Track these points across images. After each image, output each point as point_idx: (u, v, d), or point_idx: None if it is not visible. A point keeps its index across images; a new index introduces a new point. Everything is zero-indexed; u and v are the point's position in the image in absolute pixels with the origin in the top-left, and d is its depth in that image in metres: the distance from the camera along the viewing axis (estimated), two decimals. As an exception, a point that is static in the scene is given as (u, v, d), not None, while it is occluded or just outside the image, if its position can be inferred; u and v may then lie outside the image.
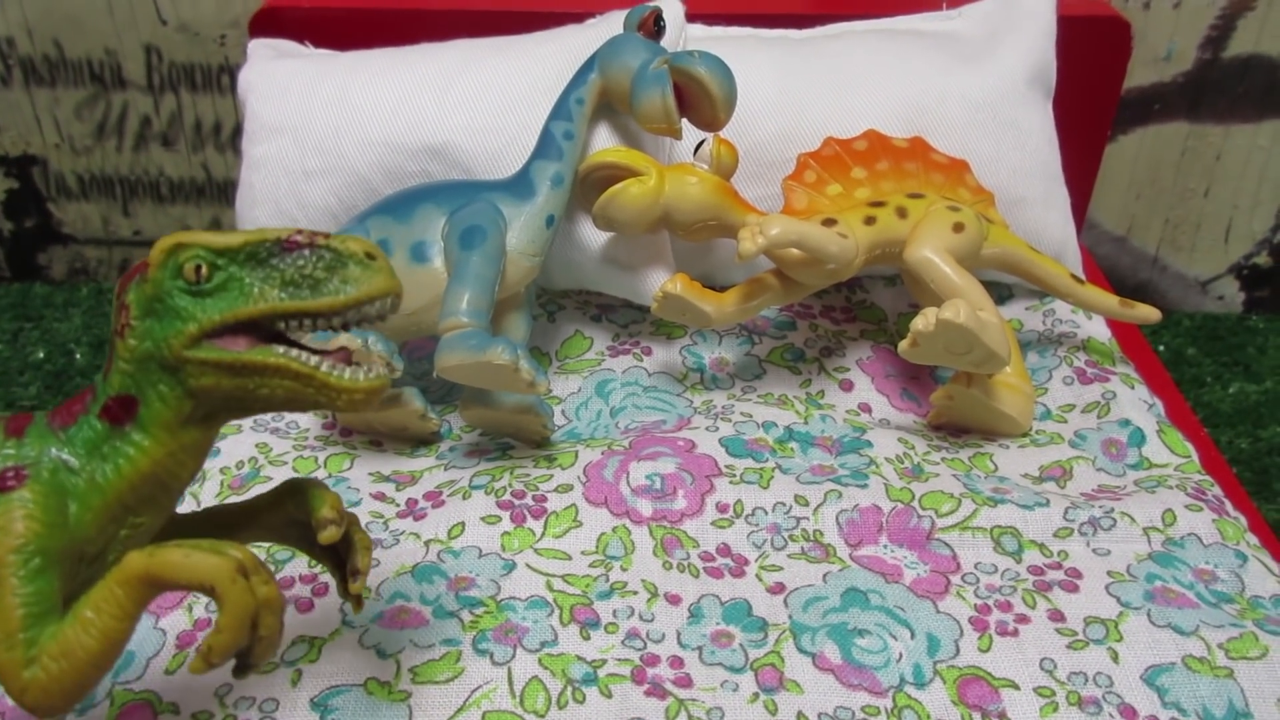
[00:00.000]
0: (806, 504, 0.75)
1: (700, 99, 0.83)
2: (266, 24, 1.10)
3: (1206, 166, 1.40)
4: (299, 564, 0.70)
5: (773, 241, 0.78)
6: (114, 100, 1.36)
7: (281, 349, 0.46)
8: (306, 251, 0.46)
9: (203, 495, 0.78)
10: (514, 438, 0.83)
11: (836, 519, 0.74)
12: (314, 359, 0.46)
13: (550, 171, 0.83)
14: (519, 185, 0.82)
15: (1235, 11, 1.29)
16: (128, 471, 0.48)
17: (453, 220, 0.80)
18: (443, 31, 1.02)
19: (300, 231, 0.46)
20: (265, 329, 0.46)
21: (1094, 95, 1.15)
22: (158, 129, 1.38)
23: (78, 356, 1.36)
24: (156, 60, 1.33)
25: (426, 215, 0.81)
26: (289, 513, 0.55)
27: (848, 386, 0.91)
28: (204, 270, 0.45)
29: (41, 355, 1.36)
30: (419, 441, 0.86)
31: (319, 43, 1.07)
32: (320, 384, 0.46)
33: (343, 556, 0.56)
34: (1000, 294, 1.01)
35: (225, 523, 0.56)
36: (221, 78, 1.33)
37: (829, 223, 0.84)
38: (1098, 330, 0.95)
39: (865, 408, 0.90)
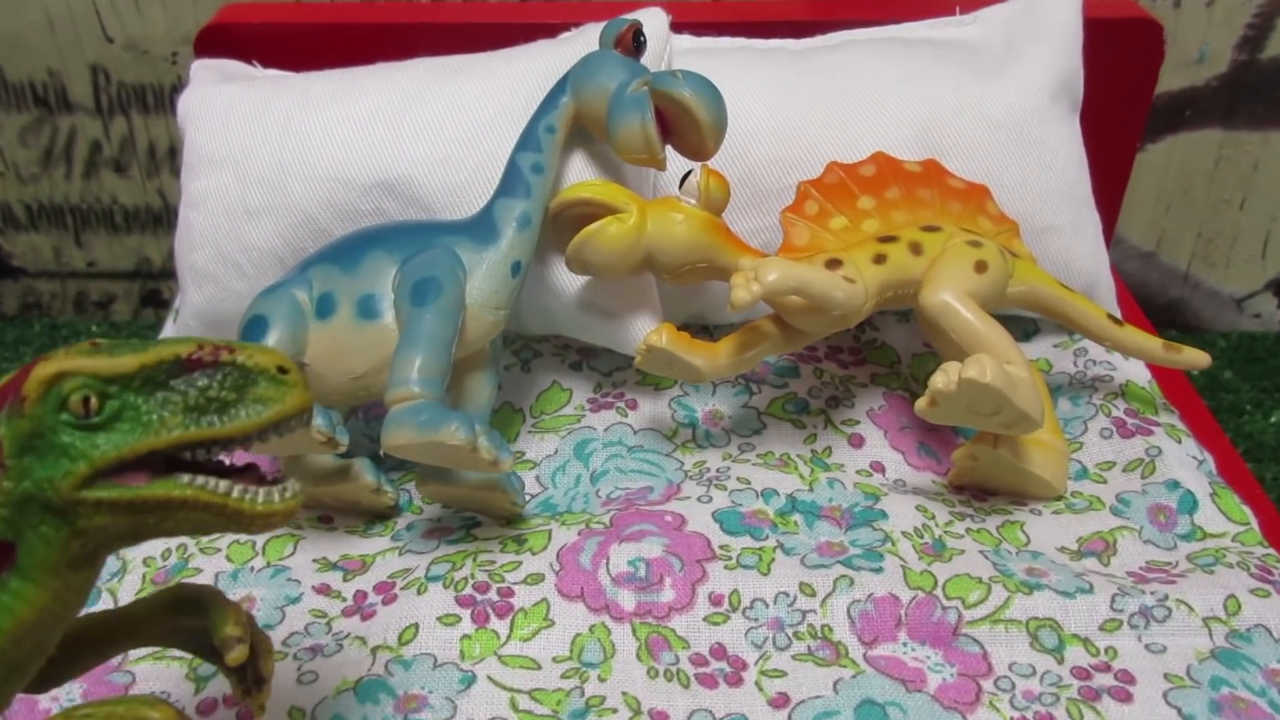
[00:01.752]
0: (813, 593, 0.66)
1: (686, 125, 0.73)
2: (213, 42, 1.01)
3: (1242, 176, 1.29)
4: (220, 684, 0.60)
5: (770, 289, 0.68)
6: (60, 124, 1.27)
7: (186, 478, 0.42)
8: (211, 371, 0.42)
9: (121, 592, 0.68)
10: (480, 513, 0.74)
11: (848, 611, 0.64)
12: (223, 485, 0.42)
13: (516, 211, 0.73)
14: (480, 228, 0.73)
15: (1274, 9, 1.19)
16: (7, 625, 0.42)
17: (404, 270, 0.70)
18: (403, 47, 0.92)
19: (201, 345, 0.42)
20: (165, 455, 0.42)
21: (1123, 102, 1.05)
22: (109, 154, 1.28)
23: (27, 401, 1.26)
24: (104, 81, 1.23)
25: (376, 264, 0.71)
26: (177, 622, 0.51)
27: (858, 442, 0.81)
28: (93, 402, 0.40)
29: (-12, 399, 1.27)
30: (374, 514, 0.76)
31: (270, 61, 0.97)
32: (233, 512, 0.42)
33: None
34: (1024, 329, 0.91)
35: (103, 634, 0.51)
36: (175, 98, 1.23)
37: (833, 264, 0.74)
38: (1136, 372, 0.85)
39: (878, 467, 0.80)
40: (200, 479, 0.42)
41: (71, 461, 0.40)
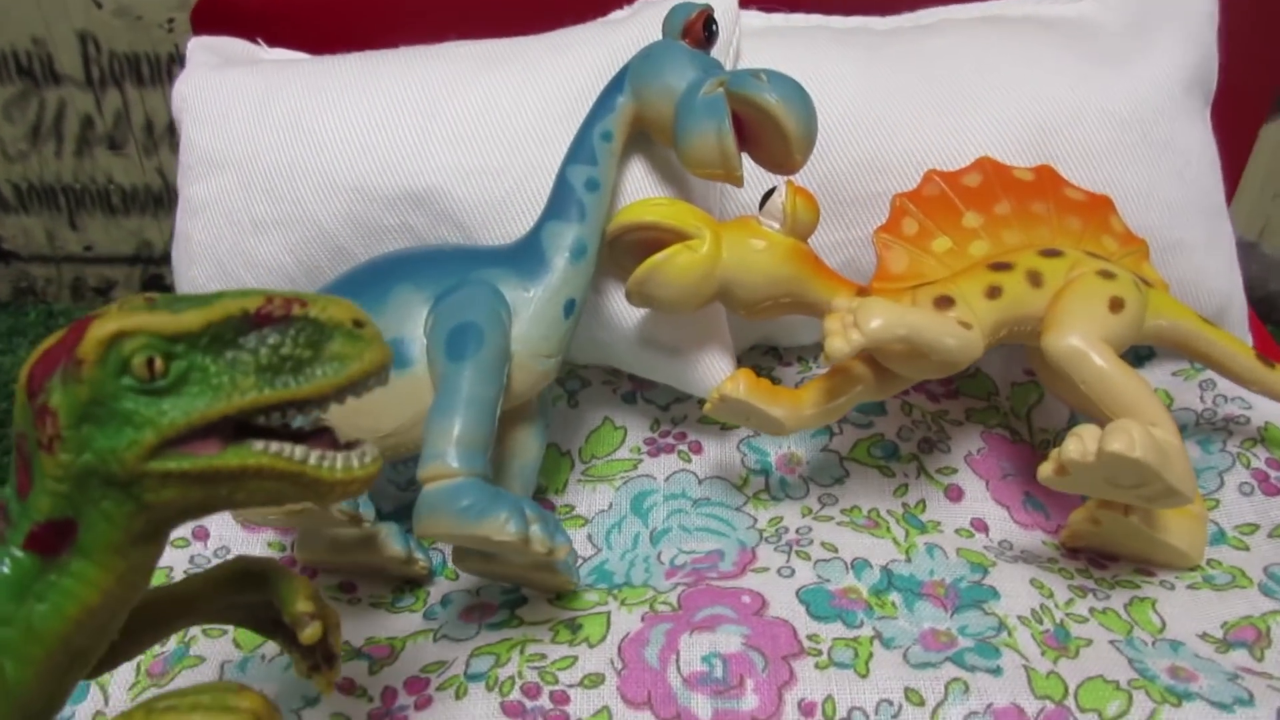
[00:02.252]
0: (921, 702, 0.56)
1: (769, 135, 0.61)
2: (212, 15, 0.88)
3: (1358, 160, 1.17)
4: None
5: (872, 339, 0.57)
6: (48, 97, 1.15)
7: (261, 444, 0.38)
8: (283, 326, 0.38)
9: (112, 686, 0.59)
10: (526, 585, 0.64)
11: (964, 727, 0.55)
12: (299, 451, 0.39)
13: (568, 238, 0.62)
14: (526, 257, 0.62)
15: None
16: (71, 610, 0.39)
17: (438, 311, 0.59)
18: (431, 23, 0.80)
19: (270, 299, 0.38)
20: (235, 419, 0.38)
21: (1246, 82, 0.92)
22: (102, 130, 1.17)
23: (21, 400, 1.17)
24: (94, 50, 1.11)
25: (404, 302, 0.61)
26: (236, 598, 0.48)
27: (955, 494, 0.71)
28: (158, 364, 0.37)
29: (-20, 398, 1.18)
30: (403, 579, 0.67)
31: (276, 39, 0.85)
32: (311, 480, 0.39)
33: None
34: (1137, 352, 0.80)
35: (158, 614, 0.47)
36: (171, 69, 1.12)
37: (943, 302, 0.63)
38: (1275, 410, 0.74)
39: (979, 525, 0.69)
40: (275, 445, 0.38)
41: (137, 430, 0.37)
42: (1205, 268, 0.75)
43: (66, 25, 1.11)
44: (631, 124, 0.65)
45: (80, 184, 1.22)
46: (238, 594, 0.48)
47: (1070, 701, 0.55)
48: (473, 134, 0.69)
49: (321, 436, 0.40)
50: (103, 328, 0.37)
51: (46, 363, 0.38)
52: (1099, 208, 0.70)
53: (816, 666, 0.57)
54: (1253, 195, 1.18)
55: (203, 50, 0.81)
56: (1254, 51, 0.89)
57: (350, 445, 0.40)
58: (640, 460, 0.72)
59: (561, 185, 0.63)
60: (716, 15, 0.71)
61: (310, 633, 0.45)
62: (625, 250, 0.65)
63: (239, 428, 0.38)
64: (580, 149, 0.64)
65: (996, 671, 0.57)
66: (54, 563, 0.39)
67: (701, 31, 0.65)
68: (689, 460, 0.72)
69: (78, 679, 0.42)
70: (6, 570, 0.39)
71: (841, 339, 0.57)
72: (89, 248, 1.28)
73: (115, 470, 0.37)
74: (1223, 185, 0.77)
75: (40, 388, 0.37)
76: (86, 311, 1.32)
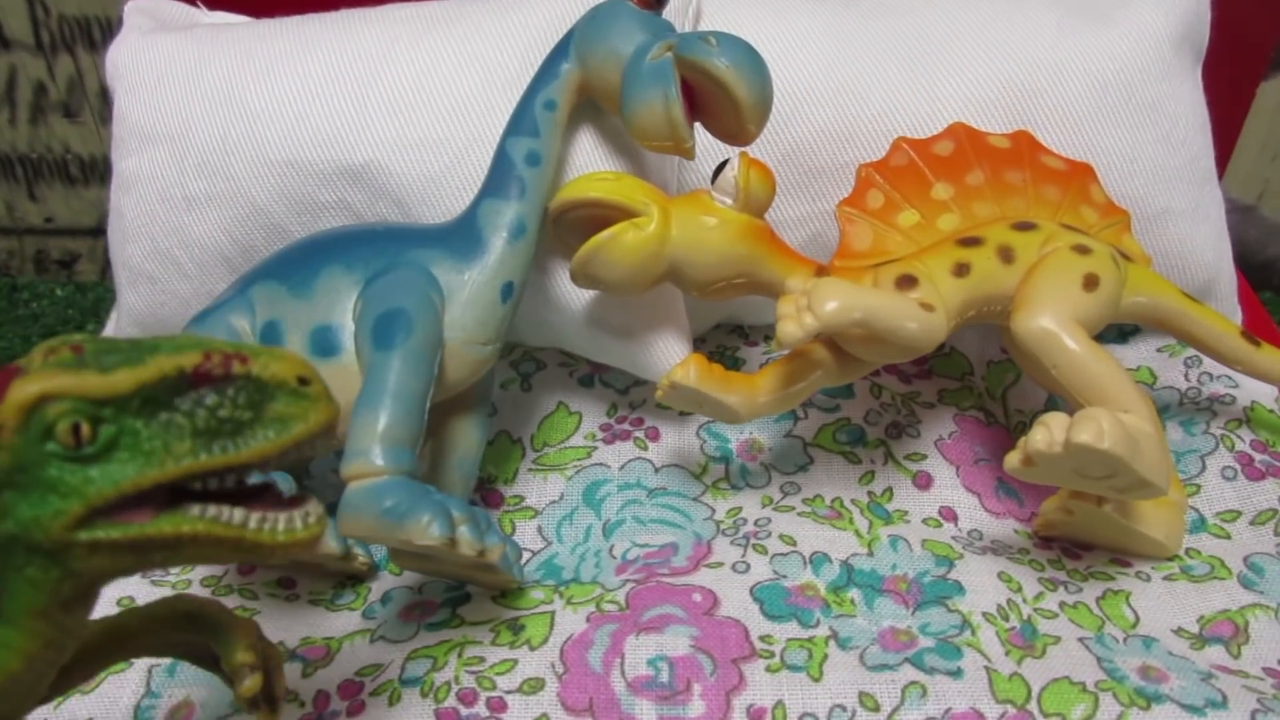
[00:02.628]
0: (876, 708, 0.53)
1: (720, 103, 0.57)
2: (153, -24, 0.84)
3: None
4: None
5: (827, 323, 0.54)
6: (-2, 64, 1.11)
7: (197, 509, 0.36)
8: (221, 386, 0.36)
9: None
10: (469, 583, 0.61)
11: (920, 734, 0.52)
12: (238, 515, 0.37)
13: (507, 217, 0.58)
14: (462, 237, 0.58)
15: None
16: None
17: (366, 296, 0.56)
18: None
19: (208, 354, 0.36)
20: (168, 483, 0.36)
21: (1242, 36, 0.87)
22: (55, 98, 1.13)
23: (-18, 378, 1.14)
24: (42, 14, 1.07)
25: (332, 285, 0.57)
26: (176, 636, 0.46)
27: (924, 482, 0.67)
28: (84, 430, 0.34)
29: (-60, 376, 1.14)
30: (343, 574, 0.64)
31: (217, 1, 0.81)
32: (251, 545, 0.37)
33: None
34: (1121, 328, 0.76)
35: (93, 649, 0.45)
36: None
37: (906, 282, 0.59)
38: (1263, 389, 0.70)
39: (948, 513, 0.66)
40: (212, 509, 0.36)
41: (62, 499, 0.35)
42: (1192, 238, 0.71)
43: (12, -13, 1.06)
44: (577, 92, 0.61)
45: (37, 153, 1.18)
46: (176, 633, 0.46)
47: (1033, 705, 0.52)
48: (411, 104, 0.65)
49: (263, 493, 0.38)
50: (24, 390, 0.34)
51: None
52: (1078, 176, 0.66)
53: (768, 670, 0.54)
54: (1251, 156, 1.13)
55: (138, 14, 0.77)
56: (1250, 2, 0.84)
57: (294, 501, 0.38)
58: (595, 448, 0.69)
59: (501, 159, 0.59)
60: (672, -27, 0.67)
61: (249, 686, 0.43)
62: (570, 228, 0.62)
63: (174, 489, 0.36)
64: (521, 120, 0.60)
65: (957, 674, 0.54)
66: None
67: (651, -8, 0.60)
68: (645, 448, 0.69)
69: None
70: None
71: (794, 323, 0.54)
72: (50, 220, 1.25)
73: (39, 539, 0.35)
74: (1213, 149, 0.73)
75: None
76: (50, 285, 1.29)
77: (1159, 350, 0.75)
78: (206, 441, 0.36)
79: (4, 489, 0.35)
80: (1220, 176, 0.95)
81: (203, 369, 0.36)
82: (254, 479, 0.38)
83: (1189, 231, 0.71)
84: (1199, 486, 0.66)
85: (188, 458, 0.35)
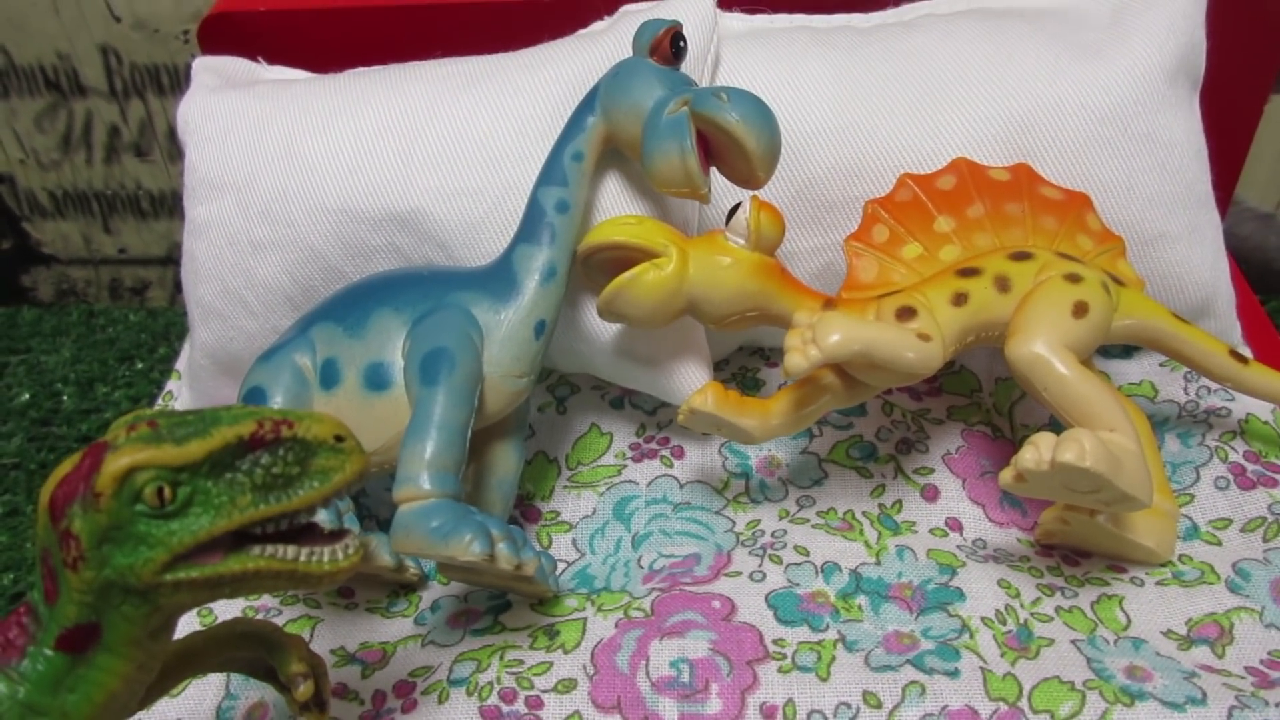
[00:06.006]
0: (879, 705, 0.58)
1: (732, 152, 0.63)
2: (217, 34, 0.91)
3: (1380, 128, 1.13)
4: None
5: (830, 355, 0.59)
6: (76, 109, 1.20)
7: (257, 549, 0.45)
8: (273, 448, 0.44)
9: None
10: (510, 592, 0.67)
11: (919, 729, 0.57)
12: (290, 551, 0.45)
13: (538, 261, 0.64)
14: (499, 280, 0.64)
15: None
16: (99, 697, 0.46)
17: (413, 336, 0.62)
18: (425, 36, 0.82)
19: (260, 423, 0.44)
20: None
21: (1252, 46, 0.89)
22: (128, 139, 1.21)
23: (65, 399, 1.23)
24: (115, 63, 1.15)
25: (383, 326, 0.64)
26: (235, 653, 0.54)
27: (932, 494, 0.72)
28: (166, 493, 0.43)
29: (27, 398, 1.24)
30: (397, 584, 0.70)
31: (278, 53, 0.88)
32: (302, 575, 0.45)
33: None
34: (1125, 347, 0.80)
35: (163, 670, 0.52)
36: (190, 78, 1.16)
37: (905, 314, 0.64)
38: (1257, 403, 0.74)
39: (954, 524, 0.71)
40: (270, 548, 0.45)
41: (150, 549, 0.43)
42: (1189, 259, 0.75)
43: (88, 39, 1.15)
44: (602, 143, 0.67)
45: (111, 190, 1.27)
46: (236, 650, 0.53)
47: (1024, 703, 0.57)
48: (452, 156, 0.71)
49: (309, 531, 0.46)
50: (117, 463, 0.42)
51: (66, 489, 0.43)
52: (1075, 205, 0.70)
53: (780, 670, 0.59)
54: (1268, 166, 1.16)
55: (205, 71, 0.84)
56: (1253, 27, 0.87)
57: (335, 535, 0.46)
58: (624, 466, 0.75)
59: (533, 208, 0.65)
60: (691, 27, 0.72)
61: (303, 691, 0.51)
62: (597, 267, 0.67)
63: (238, 534, 0.44)
64: (552, 170, 0.66)
65: (954, 674, 0.59)
66: (81, 659, 0.45)
67: (669, 48, 0.66)
68: (671, 465, 0.75)
69: None
70: (41, 668, 0.45)
71: (800, 355, 0.59)
72: (123, 250, 1.34)
73: (133, 582, 0.43)
74: (1209, 173, 0.76)
75: (62, 514, 0.43)
76: (125, 311, 1.38)
77: (1160, 365, 0.78)
78: (264, 494, 0.44)
79: (103, 543, 0.43)
80: (1235, 185, 0.98)
81: (257, 435, 0.43)
82: (301, 520, 0.45)
83: (1185, 253, 0.75)
84: (1192, 496, 0.70)
85: (249, 509, 0.43)
